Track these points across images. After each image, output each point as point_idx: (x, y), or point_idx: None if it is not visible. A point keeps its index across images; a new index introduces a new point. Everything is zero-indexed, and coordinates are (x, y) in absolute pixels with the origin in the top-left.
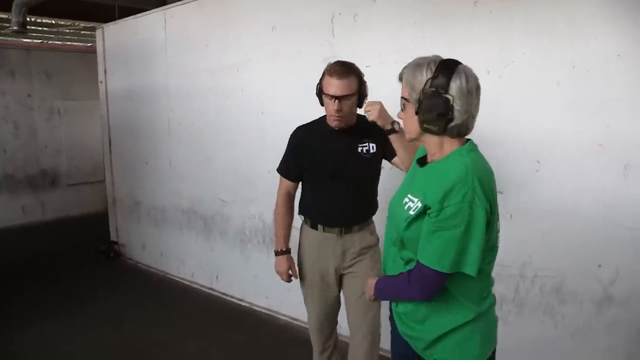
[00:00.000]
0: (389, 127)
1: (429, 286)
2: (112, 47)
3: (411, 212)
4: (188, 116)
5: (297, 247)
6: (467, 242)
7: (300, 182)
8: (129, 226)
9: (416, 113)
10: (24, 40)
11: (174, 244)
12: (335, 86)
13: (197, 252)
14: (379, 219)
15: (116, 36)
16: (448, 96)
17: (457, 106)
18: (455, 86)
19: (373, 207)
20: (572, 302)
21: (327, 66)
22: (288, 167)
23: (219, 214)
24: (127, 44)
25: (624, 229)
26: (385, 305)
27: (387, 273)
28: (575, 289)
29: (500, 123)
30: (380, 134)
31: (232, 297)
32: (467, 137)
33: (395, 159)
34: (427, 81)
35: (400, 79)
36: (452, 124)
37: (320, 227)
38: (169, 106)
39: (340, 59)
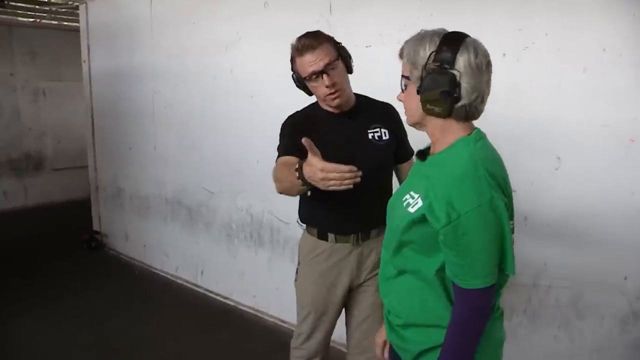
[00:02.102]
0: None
1: (484, 305)
2: (96, 24)
3: (410, 210)
4: (174, 99)
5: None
6: (503, 242)
7: None
8: (112, 215)
9: (418, 92)
10: (5, 16)
11: (157, 235)
12: (313, 61)
13: (182, 244)
14: None
15: (100, 13)
16: (454, 72)
17: (464, 83)
18: (462, 61)
19: None
20: (591, 317)
21: (292, 47)
22: (290, 145)
23: (205, 205)
24: (111, 21)
25: None
26: None
27: (380, 290)
28: (596, 302)
29: (516, 113)
30: (389, 118)
31: (217, 294)
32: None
33: (403, 165)
34: (429, 55)
35: (401, 55)
36: (459, 104)
37: (331, 236)
38: (154, 87)
39: (307, 31)
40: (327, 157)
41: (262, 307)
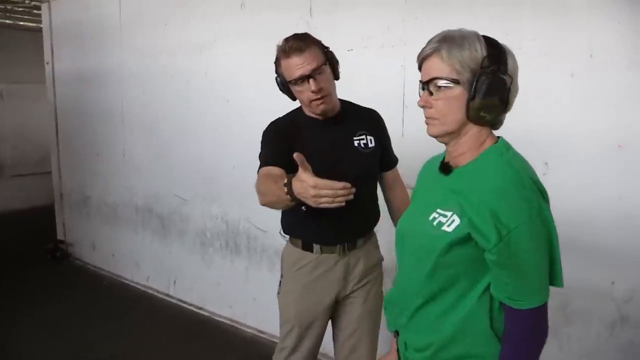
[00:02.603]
0: None
1: (543, 322)
2: (60, 24)
3: (446, 229)
4: (144, 103)
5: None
6: (553, 253)
7: None
8: (78, 223)
9: (473, 97)
10: None
11: (127, 244)
12: (300, 65)
13: (153, 254)
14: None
15: (65, 12)
16: (508, 77)
17: (513, 89)
18: (511, 65)
19: (378, 213)
20: (580, 322)
21: (278, 49)
22: (274, 154)
23: (177, 212)
24: (77, 20)
25: None
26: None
27: (396, 323)
28: (584, 307)
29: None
30: (374, 124)
31: (190, 304)
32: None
33: (389, 175)
34: (484, 58)
35: (424, 57)
36: (506, 112)
37: (316, 247)
38: (123, 91)
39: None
40: (312, 164)
41: (239, 318)
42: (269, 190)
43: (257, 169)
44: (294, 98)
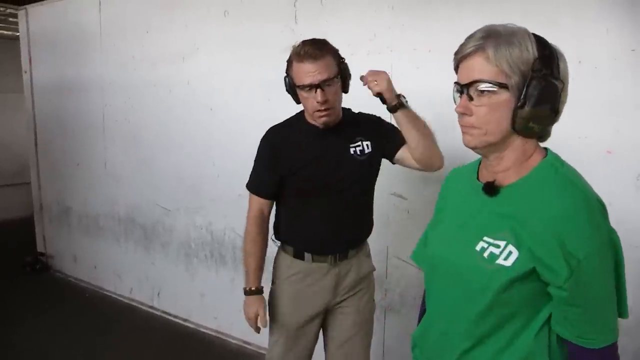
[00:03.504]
0: (395, 101)
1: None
2: (38, 31)
3: (503, 262)
4: (125, 112)
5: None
6: (619, 284)
7: (276, 199)
8: (59, 235)
9: (522, 105)
10: None
11: (109, 256)
12: (311, 72)
13: (136, 265)
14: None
15: (43, 19)
16: (559, 83)
17: (563, 96)
18: (563, 68)
19: (371, 224)
20: None
21: (293, 50)
22: (261, 182)
23: (161, 223)
24: (56, 28)
25: (634, 248)
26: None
27: None
28: None
29: None
30: (371, 126)
31: (175, 316)
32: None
33: (401, 153)
34: (536, 59)
35: (464, 56)
36: (555, 122)
37: (307, 255)
38: (104, 100)
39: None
40: (308, 172)
41: (224, 329)
42: (245, 258)
43: (247, 184)
44: (298, 102)
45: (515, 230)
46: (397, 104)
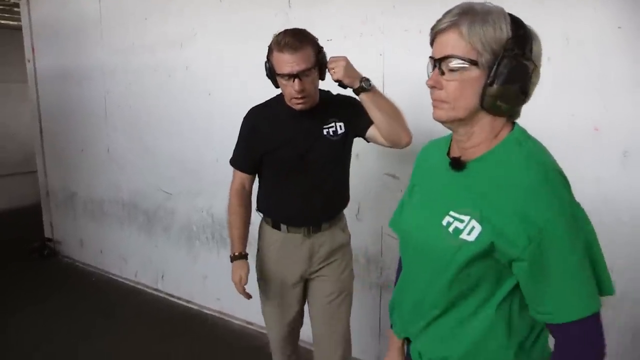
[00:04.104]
0: (357, 85)
1: (598, 335)
2: (40, 21)
3: (466, 237)
4: (126, 98)
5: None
6: (592, 250)
7: (258, 174)
8: (65, 221)
9: (491, 83)
10: None
11: (114, 240)
12: (290, 62)
13: (140, 249)
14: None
15: (44, 8)
16: (531, 64)
17: (534, 77)
18: (537, 51)
19: (344, 199)
20: None
21: (273, 39)
22: (242, 158)
23: (163, 207)
24: (57, 17)
25: (621, 223)
26: (359, 311)
27: (407, 330)
28: None
29: None
30: (346, 107)
31: (179, 298)
32: None
33: (371, 131)
34: (509, 39)
35: (438, 31)
36: (524, 103)
37: (283, 227)
38: (106, 87)
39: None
40: (287, 152)
41: (227, 310)
42: (230, 228)
43: (230, 159)
44: (277, 86)
45: (478, 205)
46: (358, 88)
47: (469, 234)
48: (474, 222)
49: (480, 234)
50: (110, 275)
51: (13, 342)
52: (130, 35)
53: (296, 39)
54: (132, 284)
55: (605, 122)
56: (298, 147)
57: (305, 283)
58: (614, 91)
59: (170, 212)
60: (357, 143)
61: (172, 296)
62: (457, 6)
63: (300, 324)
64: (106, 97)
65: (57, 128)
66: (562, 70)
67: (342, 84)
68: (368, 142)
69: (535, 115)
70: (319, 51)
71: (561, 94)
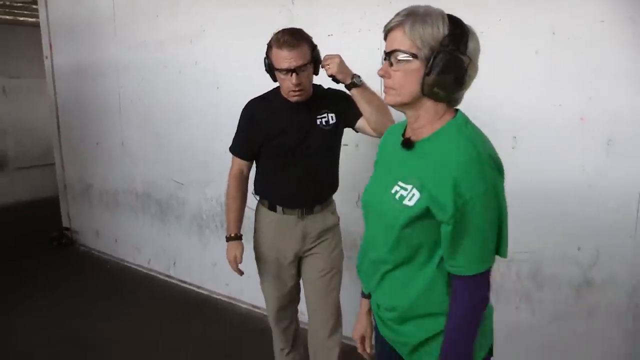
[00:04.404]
0: (349, 80)
1: (487, 286)
2: (57, 18)
3: (407, 203)
4: (139, 93)
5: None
6: (501, 226)
7: (255, 161)
8: (82, 211)
9: (428, 73)
10: None
11: (128, 229)
12: (288, 58)
13: (153, 237)
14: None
15: (60, 6)
16: (466, 57)
17: (470, 70)
18: (472, 47)
19: (334, 185)
20: (550, 287)
21: (273, 37)
22: (240, 145)
23: (174, 197)
24: (73, 14)
25: (606, 209)
26: (348, 287)
27: (368, 285)
28: (553, 273)
29: (474, 95)
30: (337, 100)
31: (190, 284)
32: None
33: (360, 122)
34: (445, 36)
35: (389, 29)
36: (462, 91)
37: (279, 208)
38: (119, 82)
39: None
40: (282, 140)
41: (235, 295)
42: (227, 211)
43: (230, 147)
44: (275, 80)
45: (420, 177)
46: (350, 84)
47: (409, 200)
48: (414, 191)
49: (418, 200)
50: (125, 263)
51: (34, 322)
52: (142, 32)
53: (294, 38)
54: (145, 270)
55: (590, 112)
56: (293, 136)
57: (299, 261)
58: (598, 82)
59: (182, 201)
60: (359, 135)
61: (184, 282)
62: (405, 9)
63: (297, 300)
64: (120, 92)
65: (74, 122)
66: (550, 63)
67: (335, 79)
68: (357, 132)
69: (524, 106)
70: (313, 49)
71: (548, 85)
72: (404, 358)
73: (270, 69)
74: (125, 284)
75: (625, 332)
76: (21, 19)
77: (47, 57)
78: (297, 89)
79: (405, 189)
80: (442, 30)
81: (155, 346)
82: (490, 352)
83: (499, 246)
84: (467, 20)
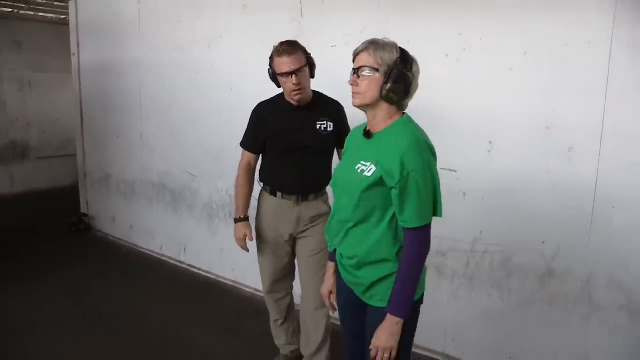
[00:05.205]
0: None
1: (428, 238)
2: (85, 19)
3: (367, 174)
4: (159, 91)
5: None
6: (435, 192)
7: (262, 154)
8: (100, 199)
9: (385, 82)
10: None
11: (143, 217)
12: (288, 63)
13: (166, 225)
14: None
15: (89, 8)
16: (411, 74)
17: (413, 85)
18: (415, 68)
19: (328, 178)
20: (518, 276)
21: (274, 49)
22: (250, 141)
23: (188, 188)
24: (101, 16)
25: (566, 208)
26: None
27: (333, 242)
28: (521, 263)
29: (456, 104)
30: (337, 114)
31: (199, 269)
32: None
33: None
34: (397, 59)
35: (357, 53)
36: (408, 99)
37: (279, 194)
38: (141, 80)
39: (286, 40)
40: (285, 138)
41: (239, 279)
42: (236, 196)
43: (240, 142)
44: (279, 86)
45: (376, 156)
46: None
47: (368, 172)
48: (372, 166)
49: (374, 172)
50: (139, 249)
51: (55, 299)
52: (164, 35)
53: (290, 46)
54: (157, 256)
55: (554, 122)
56: (294, 135)
57: (294, 241)
58: (561, 96)
59: (194, 192)
60: None
61: (193, 267)
62: (368, 40)
63: (291, 277)
64: (141, 89)
65: (96, 116)
66: (521, 79)
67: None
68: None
69: (499, 114)
70: (307, 55)
71: (520, 97)
72: (359, 296)
73: (274, 76)
74: (139, 267)
75: (581, 317)
76: (48, 15)
77: (74, 54)
78: (297, 88)
79: (365, 165)
80: (395, 55)
81: (162, 321)
82: (421, 299)
83: (436, 209)
84: (452, 39)
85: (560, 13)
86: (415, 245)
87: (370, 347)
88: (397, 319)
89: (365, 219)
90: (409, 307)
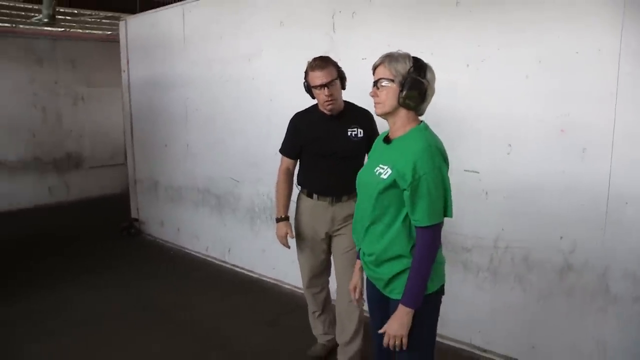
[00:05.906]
0: None
1: (438, 235)
2: (134, 38)
3: (383, 177)
4: (203, 103)
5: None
6: (446, 194)
7: (299, 159)
8: (149, 205)
9: (401, 90)
10: (50, 29)
11: (189, 220)
12: (320, 77)
13: (211, 227)
14: None
15: (138, 28)
16: (425, 81)
17: (429, 90)
18: (429, 75)
19: None
20: (538, 270)
21: (308, 64)
22: (288, 147)
23: (231, 192)
24: (148, 35)
25: (582, 205)
26: None
27: (357, 241)
28: (541, 258)
29: (477, 111)
30: (367, 123)
31: (242, 268)
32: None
33: None
34: (410, 68)
35: (375, 66)
36: (424, 103)
37: (315, 196)
38: (186, 94)
39: (319, 55)
40: (319, 145)
41: (280, 277)
42: (277, 198)
43: (280, 149)
44: (313, 97)
45: (393, 160)
46: None
47: (385, 175)
48: (388, 169)
49: (389, 175)
50: (186, 250)
51: (111, 295)
52: (208, 51)
53: (322, 61)
54: (203, 256)
55: (568, 125)
56: (327, 142)
57: (329, 239)
58: (575, 101)
59: (237, 196)
60: None
61: (237, 267)
62: (384, 54)
63: (328, 272)
64: (186, 102)
65: (145, 127)
66: (536, 85)
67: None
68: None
69: (517, 119)
70: (338, 68)
71: (536, 103)
72: (380, 290)
73: (308, 88)
74: (186, 268)
75: (597, 309)
76: (99, 32)
77: (124, 71)
78: (329, 99)
79: (383, 169)
80: (408, 64)
81: (209, 314)
82: (442, 290)
83: (446, 209)
84: (472, 50)
85: (572, 24)
86: (426, 242)
87: (381, 331)
88: (408, 309)
89: (382, 218)
90: (420, 299)
